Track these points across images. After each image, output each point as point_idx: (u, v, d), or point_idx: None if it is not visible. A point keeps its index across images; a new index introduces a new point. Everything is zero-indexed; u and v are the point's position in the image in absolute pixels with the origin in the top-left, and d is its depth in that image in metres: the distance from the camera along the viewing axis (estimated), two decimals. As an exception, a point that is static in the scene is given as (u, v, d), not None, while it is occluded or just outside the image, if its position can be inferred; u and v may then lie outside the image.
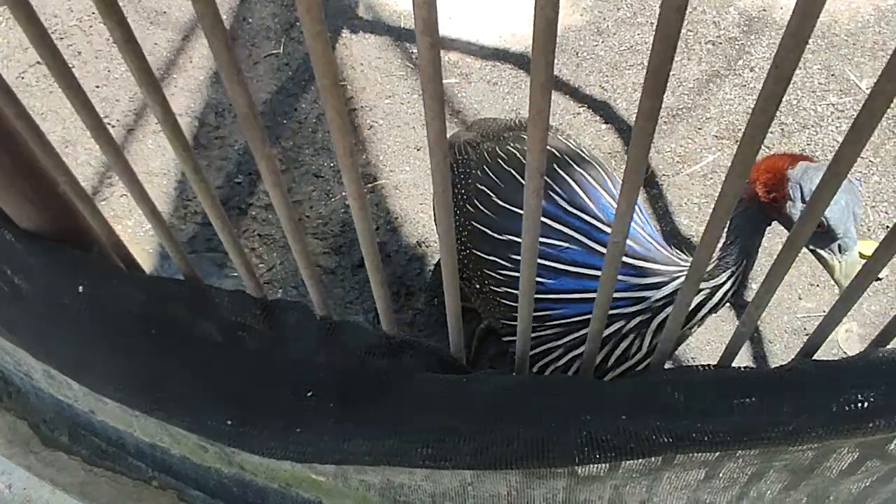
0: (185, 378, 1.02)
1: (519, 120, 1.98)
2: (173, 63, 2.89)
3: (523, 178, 1.63)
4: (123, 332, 1.02)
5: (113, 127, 2.73)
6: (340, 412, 1.03)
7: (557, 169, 1.66)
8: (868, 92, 0.61)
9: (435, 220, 0.92)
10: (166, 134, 0.81)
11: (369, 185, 2.61)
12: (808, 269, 2.36)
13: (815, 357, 1.04)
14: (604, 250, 1.58)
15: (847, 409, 0.95)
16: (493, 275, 1.70)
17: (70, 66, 0.78)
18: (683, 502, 1.29)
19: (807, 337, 1.04)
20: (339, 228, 2.50)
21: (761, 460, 1.13)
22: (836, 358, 1.02)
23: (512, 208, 1.65)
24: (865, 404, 0.95)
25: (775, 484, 1.24)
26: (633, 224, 1.59)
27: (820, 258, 1.39)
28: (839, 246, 1.36)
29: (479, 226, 1.72)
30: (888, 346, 1.03)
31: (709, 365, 1.06)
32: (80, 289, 1.02)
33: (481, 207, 1.71)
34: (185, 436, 1.14)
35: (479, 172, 1.75)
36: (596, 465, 1.07)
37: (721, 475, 1.19)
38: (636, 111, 0.67)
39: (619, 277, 1.54)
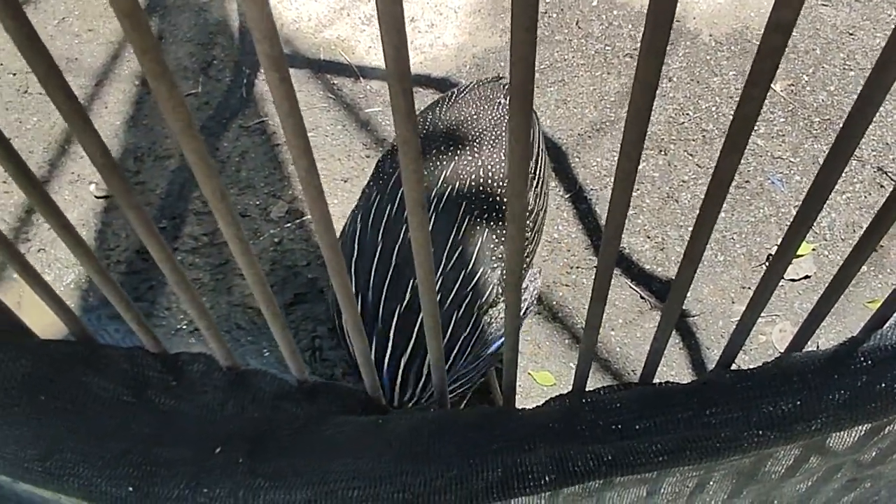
0: (78, 444, 0.96)
1: None
2: (88, 110, 2.81)
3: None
4: (8, 403, 0.95)
5: (27, 179, 2.64)
6: (250, 466, 0.98)
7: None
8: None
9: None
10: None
11: (297, 221, 2.56)
12: (739, 272, 2.38)
13: (751, 361, 1.03)
14: None
15: (765, 418, 0.93)
16: None
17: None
18: (629, 521, 1.27)
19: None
20: (269, 267, 2.44)
21: (700, 472, 1.12)
22: (769, 360, 1.00)
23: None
24: (783, 411, 0.94)
25: (719, 493, 1.23)
26: None
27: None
28: None
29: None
30: (803, 350, 1.02)
31: (629, 383, 1.04)
32: (-40, 360, 0.96)
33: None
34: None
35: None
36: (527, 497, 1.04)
37: (663, 490, 1.17)
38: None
39: None
